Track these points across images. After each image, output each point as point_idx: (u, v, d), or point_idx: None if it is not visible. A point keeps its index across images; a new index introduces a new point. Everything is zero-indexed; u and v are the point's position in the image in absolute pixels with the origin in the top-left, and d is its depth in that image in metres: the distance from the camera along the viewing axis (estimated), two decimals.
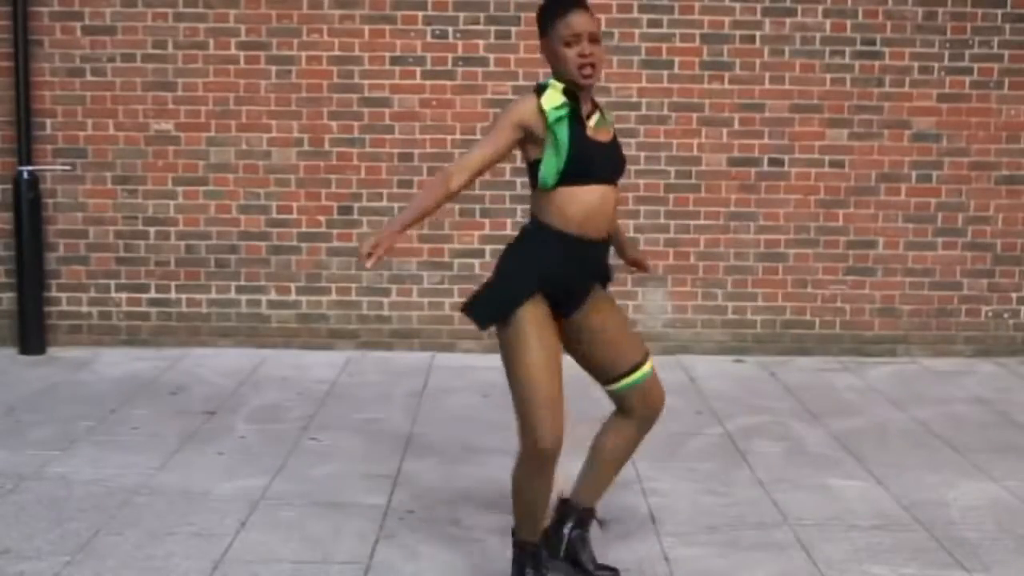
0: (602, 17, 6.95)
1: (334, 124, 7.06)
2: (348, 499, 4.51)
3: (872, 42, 7.05)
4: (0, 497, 4.47)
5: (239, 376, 6.50)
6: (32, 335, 7.01)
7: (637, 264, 4.13)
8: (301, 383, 6.37)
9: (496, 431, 5.43)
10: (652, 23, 7.02)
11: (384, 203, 7.09)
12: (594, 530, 3.91)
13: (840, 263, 7.22)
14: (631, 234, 7.01)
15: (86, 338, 7.18)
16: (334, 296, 7.18)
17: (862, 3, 7.02)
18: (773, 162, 7.14)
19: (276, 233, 7.14)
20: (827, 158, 7.14)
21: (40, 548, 3.96)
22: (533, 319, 3.47)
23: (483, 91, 7.00)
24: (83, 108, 7.02)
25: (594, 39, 3.48)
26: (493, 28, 6.97)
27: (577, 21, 3.46)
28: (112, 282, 7.17)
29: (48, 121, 7.02)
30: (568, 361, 3.59)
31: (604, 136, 3.58)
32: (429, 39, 7.00)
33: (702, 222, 7.15)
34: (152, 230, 7.13)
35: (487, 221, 7.10)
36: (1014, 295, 7.30)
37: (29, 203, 6.91)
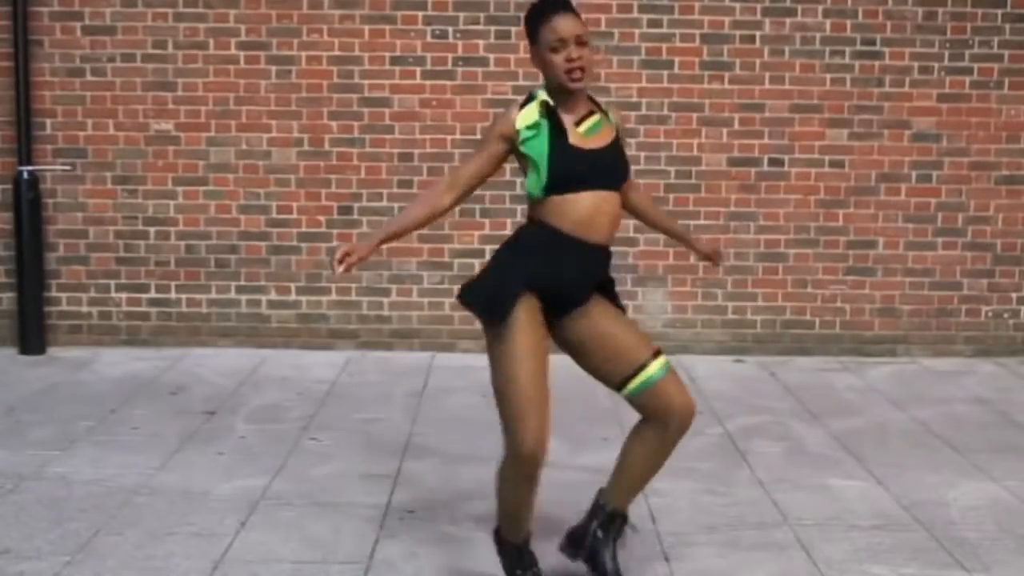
0: (602, 17, 6.97)
1: (334, 124, 7.06)
2: (348, 499, 4.51)
3: (872, 42, 7.05)
4: (0, 497, 4.47)
5: (239, 376, 6.50)
6: (32, 335, 7.01)
7: (707, 257, 4.05)
8: (301, 383, 6.37)
9: (496, 431, 5.39)
10: (652, 23, 7.02)
11: (384, 203, 7.09)
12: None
13: (840, 263, 7.22)
14: (631, 234, 7.00)
15: (86, 338, 7.18)
16: (334, 296, 7.18)
17: (862, 3, 7.02)
18: (773, 162, 7.14)
19: (276, 233, 7.13)
20: (827, 158, 7.14)
21: (40, 548, 3.96)
22: (523, 320, 3.43)
23: (483, 91, 7.00)
24: (83, 108, 7.02)
25: (581, 42, 3.42)
26: (493, 28, 6.97)
27: (561, 25, 3.41)
28: (112, 282, 7.17)
29: (48, 121, 7.02)
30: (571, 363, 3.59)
31: (599, 141, 3.51)
32: (429, 39, 7.00)
33: (702, 222, 7.15)
34: (152, 230, 7.13)
35: (487, 221, 7.10)
36: (1014, 295, 7.30)
37: (29, 203, 6.91)
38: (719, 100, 7.08)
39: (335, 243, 7.11)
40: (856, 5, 7.03)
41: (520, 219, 6.96)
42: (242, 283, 7.17)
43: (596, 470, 4.89)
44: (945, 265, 7.25)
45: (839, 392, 6.41)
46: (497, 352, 3.46)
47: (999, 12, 7.05)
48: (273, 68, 7.01)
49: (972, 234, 7.23)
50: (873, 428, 5.67)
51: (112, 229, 7.12)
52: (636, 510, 4.43)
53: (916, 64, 7.08)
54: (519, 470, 3.43)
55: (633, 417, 5.56)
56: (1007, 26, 7.06)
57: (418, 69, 7.02)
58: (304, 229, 7.13)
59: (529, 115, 3.47)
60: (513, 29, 6.93)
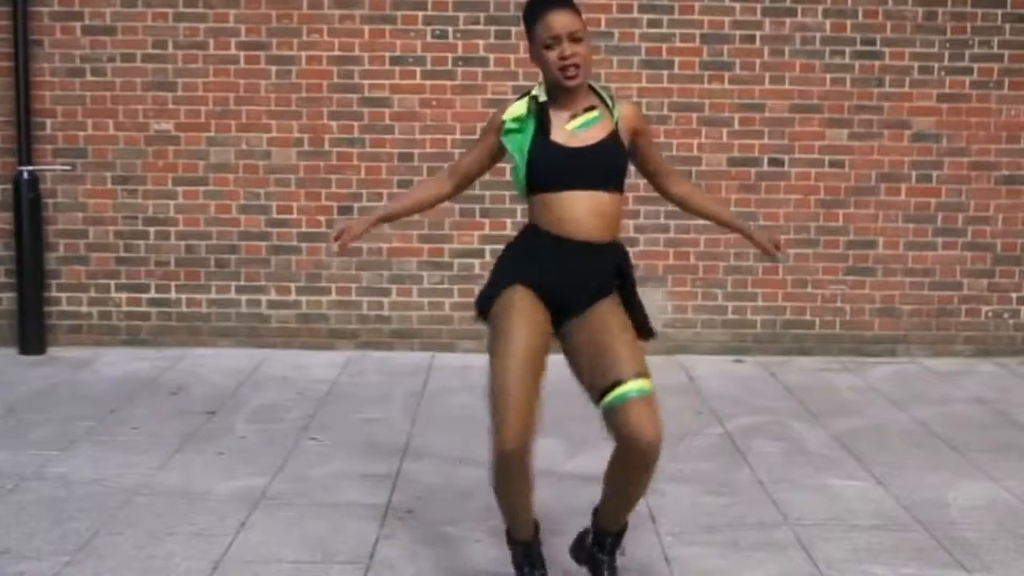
0: (602, 17, 6.97)
1: (334, 124, 7.06)
2: (348, 499, 4.51)
3: (872, 42, 7.05)
4: (0, 497, 4.47)
5: (239, 376, 6.50)
6: (32, 335, 7.01)
7: (764, 249, 3.81)
8: (301, 383, 6.37)
9: None
10: (652, 23, 7.02)
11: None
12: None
13: (840, 263, 7.22)
14: (631, 234, 7.00)
15: (86, 338, 7.18)
16: (334, 296, 7.18)
17: (862, 3, 7.02)
18: (773, 162, 7.14)
19: (276, 233, 7.14)
20: (827, 158, 7.14)
21: (40, 548, 3.96)
22: (515, 320, 3.39)
23: (483, 91, 7.00)
24: (83, 108, 7.02)
25: (576, 39, 3.36)
26: (493, 28, 6.97)
27: (555, 22, 3.36)
28: (112, 282, 7.17)
29: (48, 121, 7.02)
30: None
31: (589, 138, 3.43)
32: (429, 39, 7.00)
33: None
34: (152, 230, 7.13)
35: (487, 221, 7.10)
36: (1014, 295, 7.29)
37: (29, 203, 6.91)
38: (719, 100, 7.08)
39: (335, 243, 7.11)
40: (856, 5, 7.03)
41: (520, 219, 7.00)
42: (242, 283, 7.17)
43: (597, 470, 4.90)
44: (945, 265, 7.25)
45: (839, 392, 6.41)
46: (489, 349, 3.46)
47: (999, 12, 7.05)
48: (273, 68, 7.01)
49: (972, 234, 7.23)
50: (873, 428, 5.67)
51: (112, 229, 7.12)
52: (636, 510, 4.44)
53: (916, 64, 7.08)
54: (499, 467, 3.40)
55: None
56: (1007, 26, 7.06)
57: (418, 69, 7.02)
58: (304, 229, 7.13)
59: (517, 109, 3.48)
60: (513, 29, 6.93)
